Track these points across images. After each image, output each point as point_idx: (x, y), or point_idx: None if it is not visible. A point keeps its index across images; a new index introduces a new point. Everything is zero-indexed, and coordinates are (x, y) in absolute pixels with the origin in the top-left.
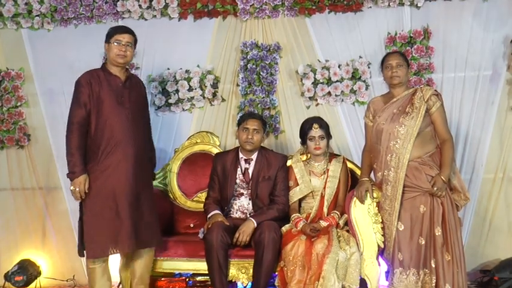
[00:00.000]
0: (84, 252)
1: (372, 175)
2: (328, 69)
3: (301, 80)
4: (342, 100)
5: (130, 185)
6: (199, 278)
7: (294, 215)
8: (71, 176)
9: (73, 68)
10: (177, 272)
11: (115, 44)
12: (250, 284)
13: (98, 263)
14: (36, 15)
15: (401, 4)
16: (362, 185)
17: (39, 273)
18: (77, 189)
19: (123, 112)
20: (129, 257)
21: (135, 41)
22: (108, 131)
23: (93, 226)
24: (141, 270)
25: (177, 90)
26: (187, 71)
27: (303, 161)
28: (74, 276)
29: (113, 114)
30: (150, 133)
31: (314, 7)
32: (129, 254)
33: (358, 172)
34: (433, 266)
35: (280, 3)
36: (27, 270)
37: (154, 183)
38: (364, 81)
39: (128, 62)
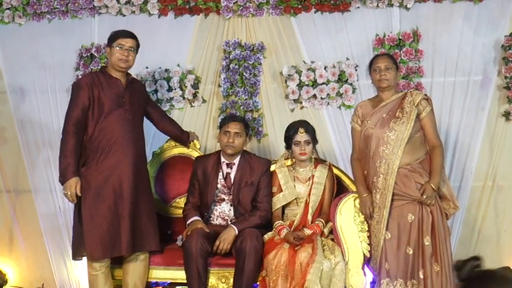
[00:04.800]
0: (84, 256)
1: None
2: (313, 71)
3: (286, 81)
4: (328, 103)
5: (130, 187)
6: None
7: (277, 222)
8: (62, 179)
9: (45, 65)
10: (153, 281)
11: (117, 48)
12: None
13: (101, 270)
14: (7, 8)
15: (390, 5)
16: (365, 204)
17: (5, 282)
18: (69, 192)
19: (123, 114)
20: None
21: (138, 45)
22: (108, 132)
23: (94, 227)
24: (135, 281)
25: (155, 90)
26: (166, 70)
27: (287, 166)
28: (43, 285)
29: (113, 116)
30: (164, 113)
31: (300, 6)
32: (125, 261)
33: (345, 178)
34: (422, 277)
35: (265, 1)
36: None
37: None
38: (351, 84)
39: (130, 67)
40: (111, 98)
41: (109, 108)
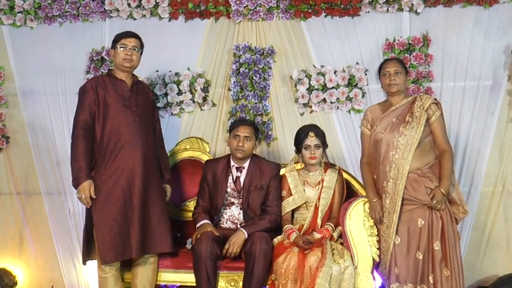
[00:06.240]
0: (93, 259)
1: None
2: (323, 75)
3: (296, 85)
4: (337, 107)
5: (139, 189)
6: None
7: (286, 226)
8: (75, 183)
9: (56, 68)
10: (163, 284)
11: (121, 48)
12: None
13: (111, 272)
14: (19, 12)
15: (400, 9)
16: (374, 209)
17: (15, 283)
18: (83, 196)
19: (130, 115)
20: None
21: (142, 45)
22: (115, 134)
23: (106, 231)
24: (144, 284)
25: (165, 94)
26: (176, 74)
27: (297, 170)
28: (52, 286)
29: (119, 118)
30: (162, 141)
31: (310, 10)
32: (134, 264)
33: (354, 183)
34: (431, 281)
35: (275, 5)
36: (2, 280)
37: None
38: (360, 88)
39: (135, 67)
40: (116, 100)
41: (115, 110)
